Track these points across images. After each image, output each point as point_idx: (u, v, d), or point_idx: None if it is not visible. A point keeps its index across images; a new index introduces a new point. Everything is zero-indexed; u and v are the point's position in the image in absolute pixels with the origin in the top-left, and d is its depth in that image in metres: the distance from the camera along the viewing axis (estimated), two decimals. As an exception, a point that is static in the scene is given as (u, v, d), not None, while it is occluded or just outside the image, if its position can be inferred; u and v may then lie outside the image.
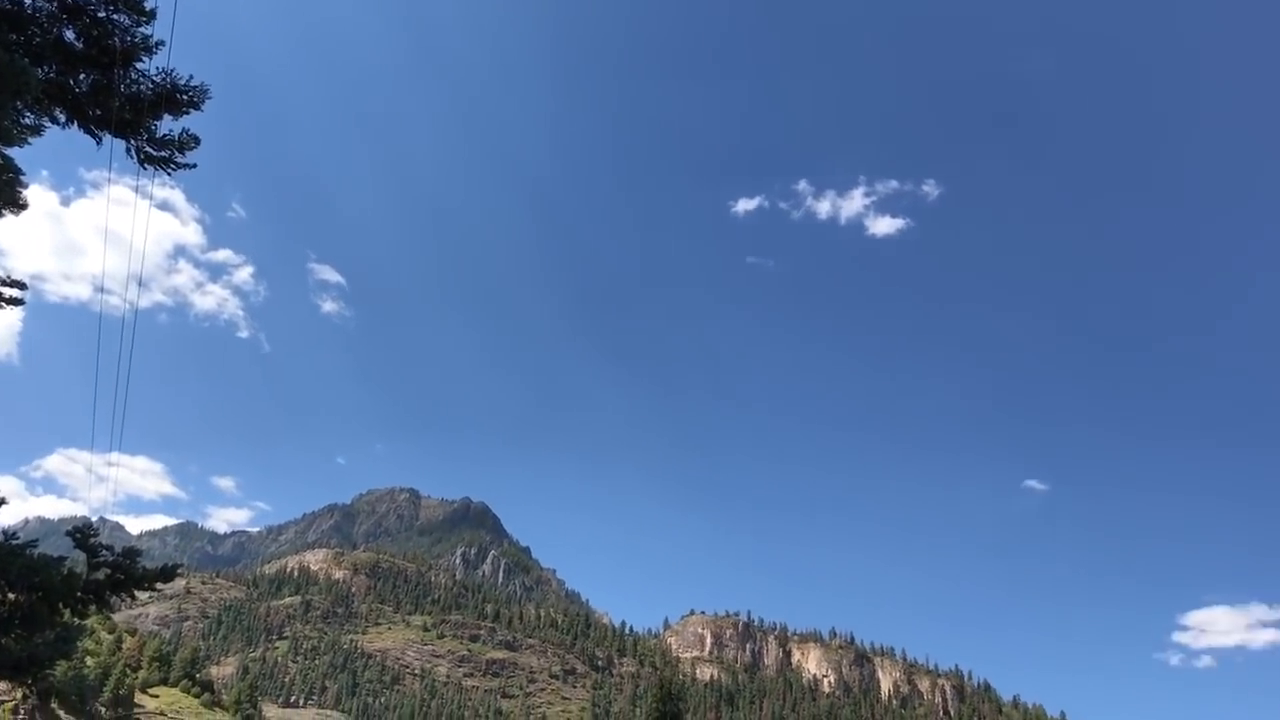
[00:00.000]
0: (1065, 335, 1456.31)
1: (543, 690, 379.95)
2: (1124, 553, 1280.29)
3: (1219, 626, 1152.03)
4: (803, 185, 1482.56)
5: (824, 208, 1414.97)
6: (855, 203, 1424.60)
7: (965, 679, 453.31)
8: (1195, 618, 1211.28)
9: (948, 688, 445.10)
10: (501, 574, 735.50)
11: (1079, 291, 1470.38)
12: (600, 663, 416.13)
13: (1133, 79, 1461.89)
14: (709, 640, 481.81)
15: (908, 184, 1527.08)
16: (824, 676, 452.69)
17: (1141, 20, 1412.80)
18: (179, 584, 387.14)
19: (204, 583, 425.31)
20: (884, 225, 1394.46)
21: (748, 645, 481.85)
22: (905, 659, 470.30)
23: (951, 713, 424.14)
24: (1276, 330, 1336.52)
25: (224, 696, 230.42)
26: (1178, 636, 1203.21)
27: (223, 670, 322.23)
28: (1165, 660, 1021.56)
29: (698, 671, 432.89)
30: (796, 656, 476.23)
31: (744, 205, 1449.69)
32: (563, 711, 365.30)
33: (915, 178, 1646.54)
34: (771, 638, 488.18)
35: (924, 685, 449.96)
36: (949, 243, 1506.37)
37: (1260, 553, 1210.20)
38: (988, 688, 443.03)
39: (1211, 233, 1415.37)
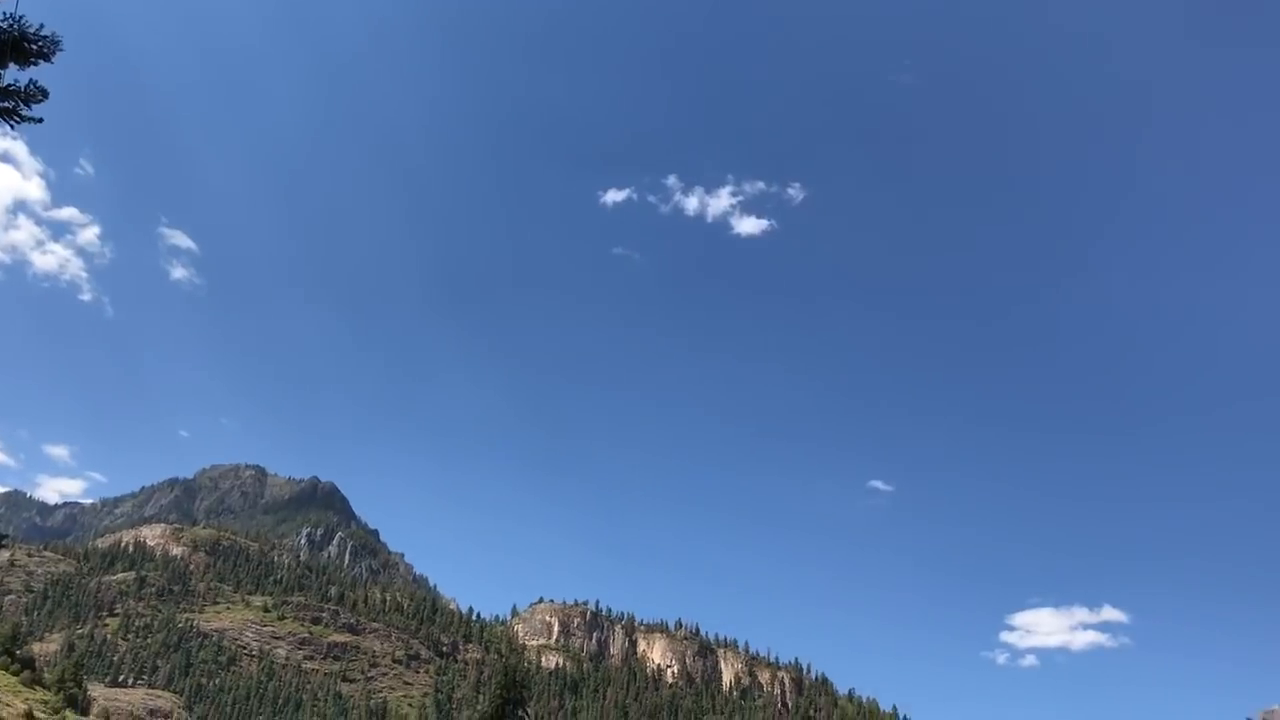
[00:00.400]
0: (913, 342, 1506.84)
1: (385, 675, 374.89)
2: (959, 554, 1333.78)
3: (1043, 627, 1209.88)
4: (672, 180, 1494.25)
5: (692, 204, 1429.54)
6: (723, 201, 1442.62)
7: (804, 672, 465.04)
8: (1021, 618, 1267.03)
9: (787, 680, 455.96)
10: (348, 556, 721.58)
11: (927, 299, 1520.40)
12: (445, 649, 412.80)
13: (987, 94, 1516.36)
14: (556, 628, 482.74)
15: (774, 186, 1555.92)
16: (668, 667, 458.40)
17: (998, 36, 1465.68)
18: (2, 555, 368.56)
19: (30, 555, 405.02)
20: (749, 225, 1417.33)
21: (595, 634, 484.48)
22: (747, 651, 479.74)
23: (789, 705, 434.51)
24: (1110, 340, 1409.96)
25: (46, 675, 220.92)
26: (1005, 636, 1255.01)
27: (46, 647, 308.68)
28: (993, 659, 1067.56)
29: (543, 659, 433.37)
30: (642, 646, 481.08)
31: (613, 196, 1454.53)
32: (405, 697, 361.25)
33: (781, 180, 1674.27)
34: (619, 627, 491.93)
35: (764, 677, 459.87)
36: (810, 245, 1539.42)
37: (1082, 557, 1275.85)
38: (825, 681, 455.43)
39: (1057, 242, 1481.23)
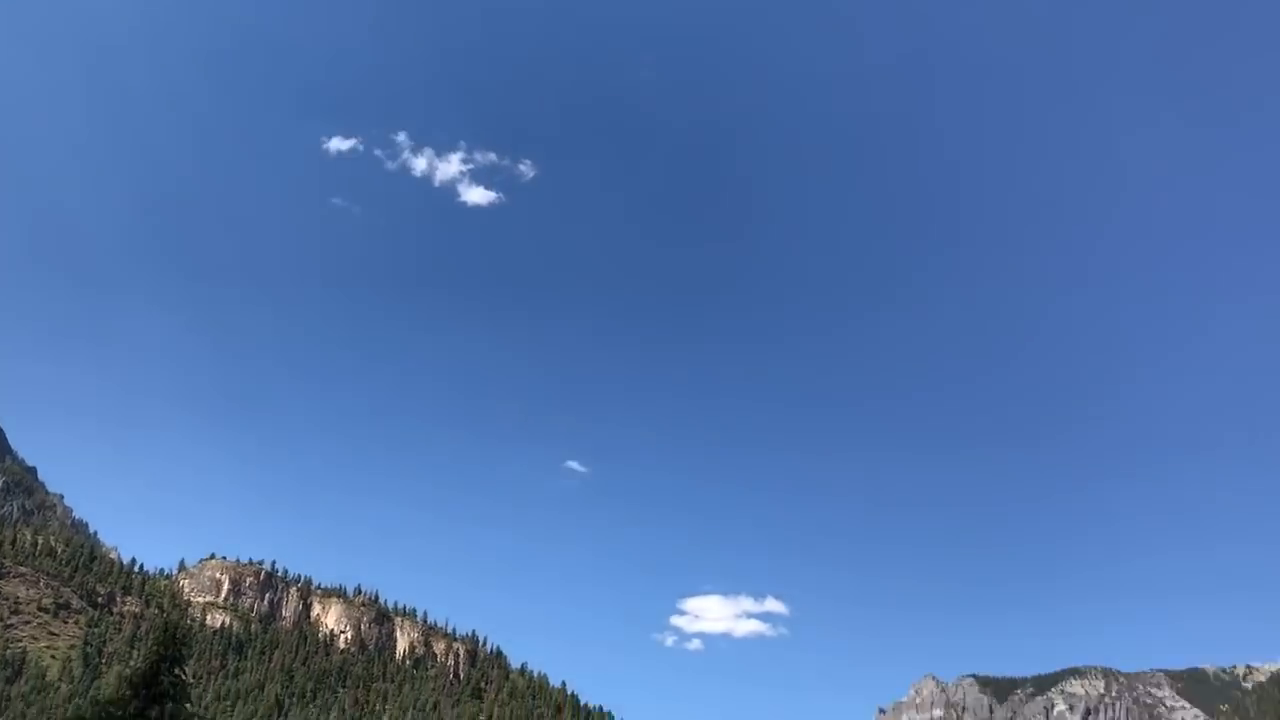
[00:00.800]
0: (621, 329, 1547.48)
1: (28, 624, 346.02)
2: (644, 538, 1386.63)
3: (711, 614, 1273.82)
4: (403, 138, 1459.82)
5: (421, 164, 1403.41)
6: (453, 166, 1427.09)
7: (480, 645, 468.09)
8: (692, 604, 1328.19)
9: (462, 651, 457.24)
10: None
11: (639, 287, 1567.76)
12: (101, 600, 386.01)
13: (722, 96, 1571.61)
14: (226, 586, 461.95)
15: (506, 159, 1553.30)
16: (342, 632, 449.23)
17: (738, 40, 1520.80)
18: None
19: None
20: (477, 195, 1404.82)
21: (267, 595, 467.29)
22: (425, 621, 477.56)
23: (462, 676, 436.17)
24: (793, 336, 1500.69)
25: None
26: (675, 620, 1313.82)
27: None
28: (661, 641, 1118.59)
29: (209, 617, 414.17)
30: (317, 610, 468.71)
31: (338, 144, 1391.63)
32: (49, 648, 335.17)
33: (514, 155, 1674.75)
34: (294, 589, 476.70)
35: (440, 647, 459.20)
36: (536, 223, 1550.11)
37: (755, 549, 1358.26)
38: (500, 654, 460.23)
39: (769, 236, 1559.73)
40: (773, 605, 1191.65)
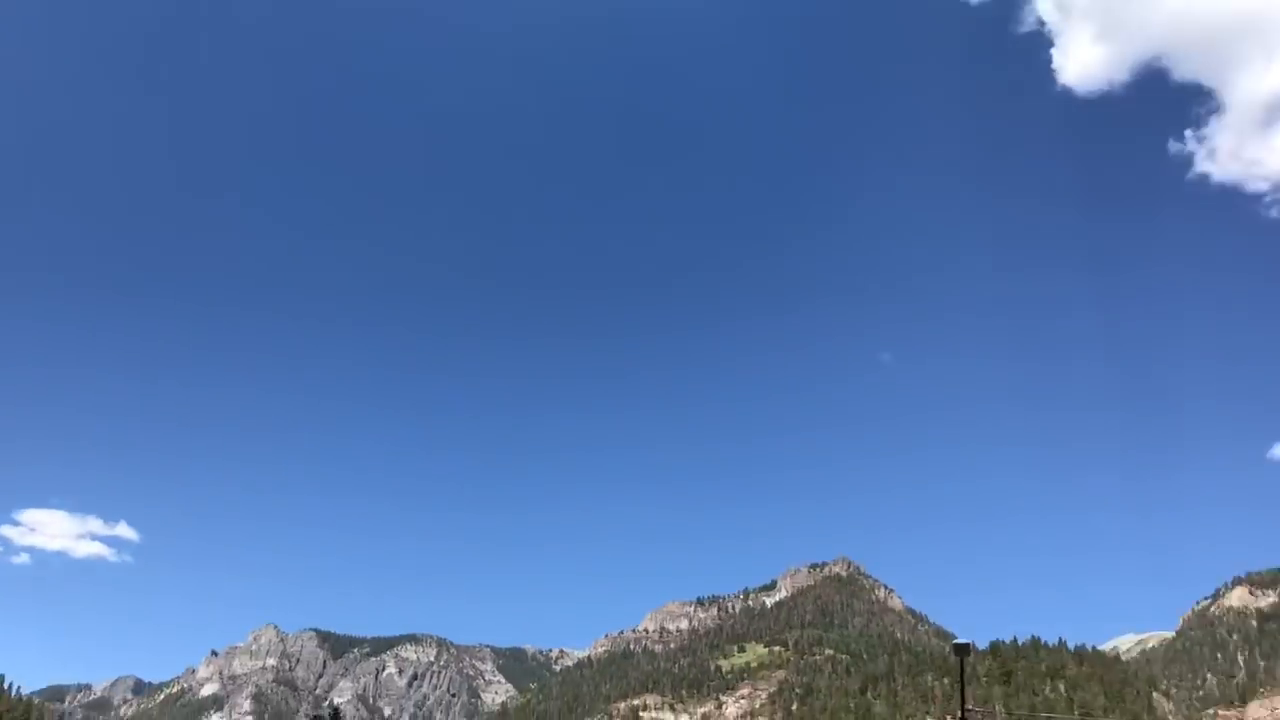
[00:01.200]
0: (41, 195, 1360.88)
1: None
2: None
3: (51, 530, 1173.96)
4: None
5: None
6: None
7: None
8: (30, 515, 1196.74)
9: None
10: None
11: (60, 158, 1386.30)
12: None
13: None
14: None
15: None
16: None
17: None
18: None
19: None
20: None
21: None
22: None
23: None
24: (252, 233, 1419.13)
25: None
26: (6, 529, 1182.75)
27: None
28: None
29: None
30: None
31: None
32: None
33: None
34: None
35: None
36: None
37: (114, 467, 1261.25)
38: None
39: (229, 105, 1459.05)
40: (124, 531, 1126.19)
